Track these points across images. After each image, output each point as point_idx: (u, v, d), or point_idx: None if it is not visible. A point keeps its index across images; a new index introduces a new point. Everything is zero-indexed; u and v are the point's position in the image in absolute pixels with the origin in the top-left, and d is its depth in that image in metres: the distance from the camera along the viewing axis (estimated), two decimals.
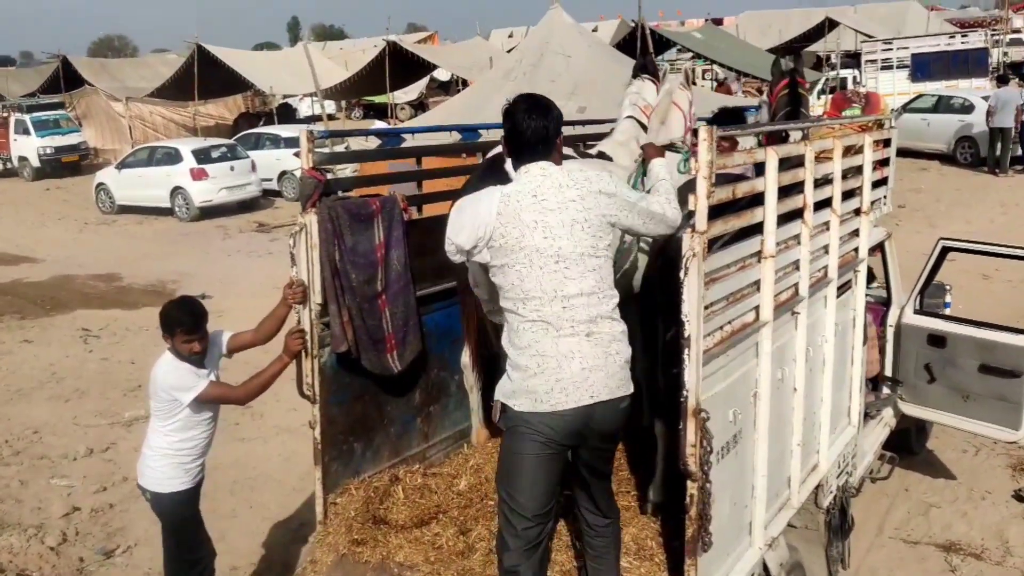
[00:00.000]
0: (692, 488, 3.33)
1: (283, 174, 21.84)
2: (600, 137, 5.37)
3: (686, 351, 3.20)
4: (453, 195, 4.71)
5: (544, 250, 3.25)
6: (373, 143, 7.44)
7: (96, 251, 17.77)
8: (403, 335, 4.55)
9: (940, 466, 7.21)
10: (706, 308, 3.35)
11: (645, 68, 5.19)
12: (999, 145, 19.46)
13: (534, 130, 3.35)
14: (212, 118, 33.30)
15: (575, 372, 3.27)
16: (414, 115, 35.12)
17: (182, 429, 4.31)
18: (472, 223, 3.33)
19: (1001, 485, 6.84)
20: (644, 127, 4.81)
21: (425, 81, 38.69)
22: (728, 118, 5.03)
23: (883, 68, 27.16)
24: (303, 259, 4.19)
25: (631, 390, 3.45)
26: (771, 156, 3.79)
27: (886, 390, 6.51)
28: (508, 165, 4.11)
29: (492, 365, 5.12)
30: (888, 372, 6.53)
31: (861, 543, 5.99)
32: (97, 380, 10.07)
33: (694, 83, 5.22)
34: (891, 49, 27.62)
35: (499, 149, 4.63)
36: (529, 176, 3.35)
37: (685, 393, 3.23)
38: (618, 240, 3.65)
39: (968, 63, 25.69)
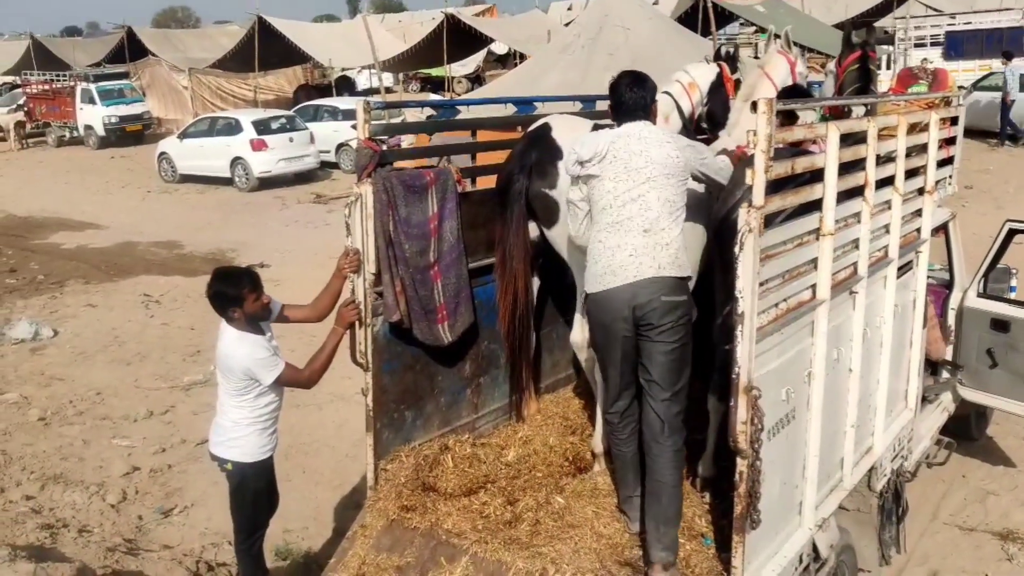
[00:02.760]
0: (742, 465, 3.30)
1: (340, 146, 21.99)
2: None
3: (739, 327, 3.17)
4: None
5: (642, 168, 3.81)
6: (429, 115, 7.50)
7: (158, 219, 18.14)
8: (455, 306, 4.58)
9: (999, 453, 7.05)
10: (761, 285, 3.31)
11: (726, 57, 5.17)
12: None
13: (634, 99, 3.96)
14: (272, 91, 33.64)
15: (623, 259, 3.80)
16: (471, 88, 35.07)
17: (258, 397, 4.39)
18: (593, 142, 3.92)
19: None
20: (679, 107, 4.84)
21: (483, 54, 38.56)
22: (794, 95, 4.95)
23: (916, 45, 26.48)
24: (358, 229, 4.23)
25: (680, 273, 3.81)
26: (832, 131, 3.71)
27: (946, 374, 6.37)
28: (555, 133, 4.27)
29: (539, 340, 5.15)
30: (948, 356, 6.38)
31: (915, 528, 5.89)
32: (157, 345, 10.33)
33: (755, 57, 5.12)
34: (924, 27, 27.08)
35: (542, 121, 4.72)
36: (634, 126, 3.92)
37: (737, 370, 3.20)
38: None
39: (1003, 42, 24.51)
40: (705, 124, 5.21)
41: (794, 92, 5.07)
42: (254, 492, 4.54)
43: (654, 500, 3.83)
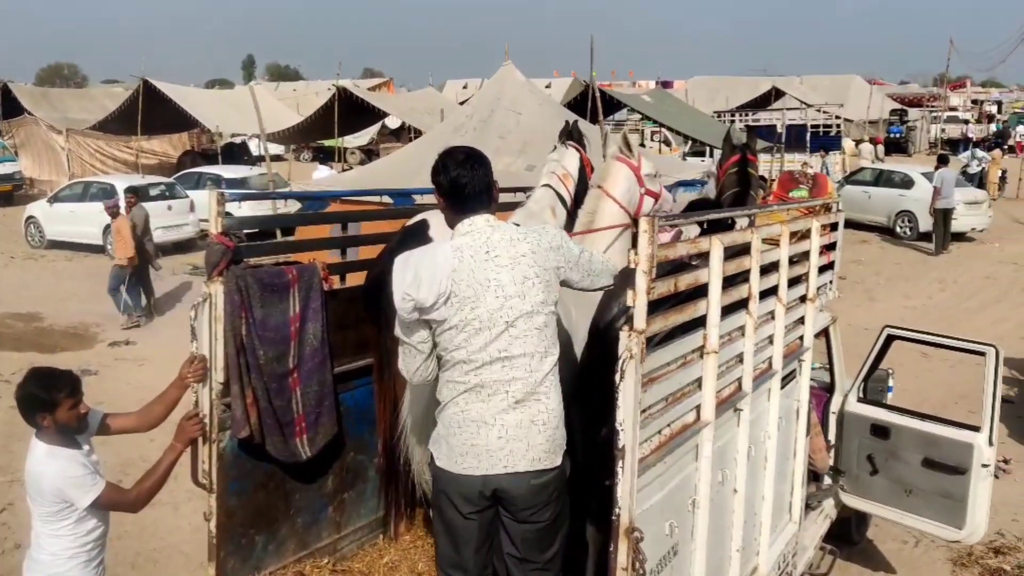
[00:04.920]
0: None
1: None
2: None
3: (620, 463, 2.88)
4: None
5: (496, 311, 3.12)
6: (293, 207, 7.11)
7: (19, 287, 16.97)
8: (315, 417, 4.18)
9: (880, 558, 6.98)
10: (643, 412, 3.05)
11: (571, 135, 4.98)
12: (942, 225, 19.74)
13: (477, 181, 3.23)
14: (155, 155, 32.50)
15: (492, 440, 3.15)
16: (364, 160, 34.80)
17: (78, 523, 3.81)
18: (431, 277, 3.12)
19: None
20: (561, 197, 4.61)
21: (377, 127, 38.49)
22: (703, 207, 4.83)
23: None
24: (205, 333, 3.81)
25: (555, 463, 3.24)
26: (716, 246, 3.54)
27: (828, 480, 6.27)
28: (432, 231, 3.88)
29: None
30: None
31: None
32: (1, 431, 9.40)
33: (641, 144, 4.91)
34: (734, 120, 29.16)
35: (420, 217, 4.41)
36: (476, 229, 3.20)
37: (617, 511, 2.91)
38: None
39: (791, 138, 26.46)
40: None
41: (702, 207, 4.97)
42: None
43: None
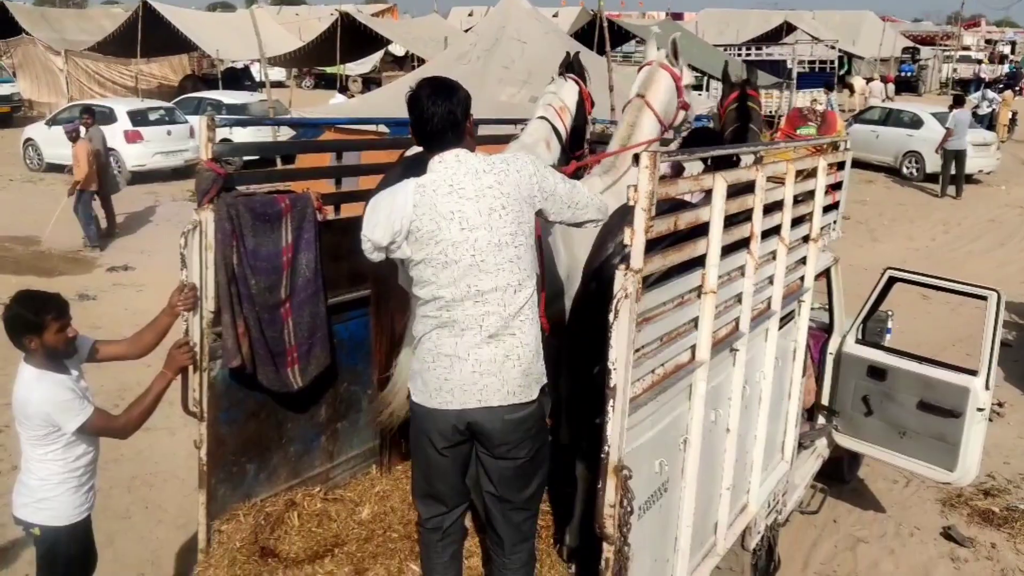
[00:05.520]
0: (608, 551, 2.99)
1: (222, 141, 20.95)
2: None
3: (610, 402, 2.85)
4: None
5: (460, 243, 3.09)
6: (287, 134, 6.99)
7: (17, 210, 16.83)
8: (308, 348, 4.14)
9: (870, 497, 7.04)
10: (636, 351, 3.01)
11: (571, 67, 4.86)
12: (953, 166, 19.40)
13: (441, 115, 3.15)
14: (155, 78, 32.04)
15: (465, 375, 3.14)
16: (366, 88, 34.28)
17: (67, 448, 3.81)
18: (387, 217, 3.15)
19: (930, 521, 6.69)
20: (556, 131, 4.52)
21: (380, 55, 37.85)
22: (702, 141, 4.69)
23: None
24: (195, 262, 3.75)
25: (531, 397, 3.22)
26: (719, 183, 3.45)
27: (821, 420, 6.28)
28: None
29: None
30: (825, 401, 6.30)
31: None
32: None
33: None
34: (731, 53, 28.64)
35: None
36: (444, 165, 3.18)
37: (607, 449, 2.89)
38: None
39: (782, 74, 26.24)
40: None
41: (706, 138, 4.85)
42: (66, 559, 3.94)
43: None
